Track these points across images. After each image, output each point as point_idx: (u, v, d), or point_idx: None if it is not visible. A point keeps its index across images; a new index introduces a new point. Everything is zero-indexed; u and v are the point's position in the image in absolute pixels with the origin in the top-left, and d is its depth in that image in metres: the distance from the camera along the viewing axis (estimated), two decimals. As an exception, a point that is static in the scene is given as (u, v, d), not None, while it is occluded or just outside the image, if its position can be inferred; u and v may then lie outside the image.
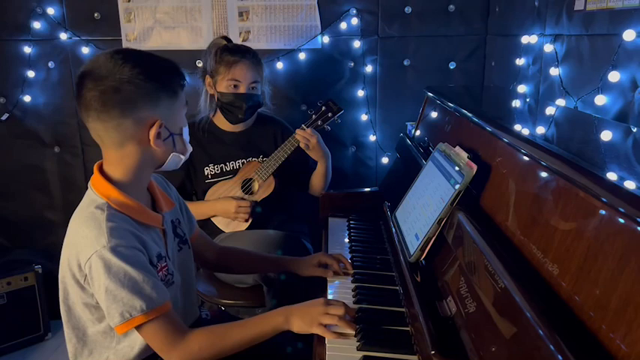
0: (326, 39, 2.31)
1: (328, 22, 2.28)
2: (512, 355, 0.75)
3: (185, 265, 1.24)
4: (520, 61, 1.90)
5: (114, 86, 0.99)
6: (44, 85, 2.40)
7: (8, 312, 2.25)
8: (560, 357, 0.63)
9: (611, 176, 0.74)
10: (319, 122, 1.89)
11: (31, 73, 2.37)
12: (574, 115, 1.45)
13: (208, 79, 1.90)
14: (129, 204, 1.05)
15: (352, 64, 2.33)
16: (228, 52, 1.85)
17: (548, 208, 0.85)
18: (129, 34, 2.33)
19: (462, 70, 2.34)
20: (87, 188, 1.09)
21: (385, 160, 2.42)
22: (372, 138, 2.41)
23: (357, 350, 1.02)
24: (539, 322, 0.70)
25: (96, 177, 1.07)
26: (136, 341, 1.07)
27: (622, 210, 0.67)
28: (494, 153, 1.13)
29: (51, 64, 2.38)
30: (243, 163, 1.94)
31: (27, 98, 2.40)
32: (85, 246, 0.99)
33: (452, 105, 1.52)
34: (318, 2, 2.26)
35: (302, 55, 2.31)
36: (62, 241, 1.08)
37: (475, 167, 1.10)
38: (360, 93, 2.36)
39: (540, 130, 1.20)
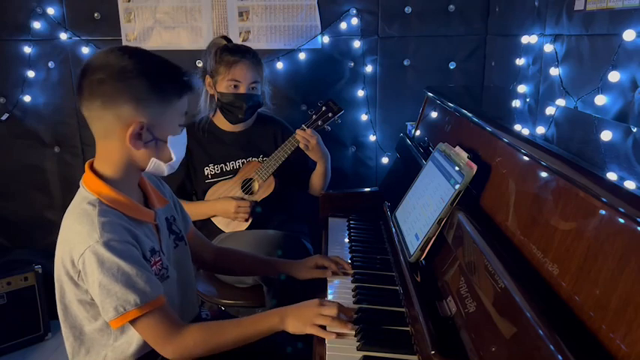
0: (326, 39, 2.31)
1: (328, 22, 2.28)
2: (513, 355, 0.75)
3: (182, 262, 1.23)
4: (520, 61, 1.90)
5: (101, 78, 1.00)
6: (44, 85, 2.40)
7: (8, 312, 2.25)
8: (560, 357, 0.63)
9: (611, 176, 0.74)
10: (319, 122, 1.89)
11: (31, 73, 2.37)
12: (574, 115, 1.45)
13: (208, 79, 1.90)
14: (120, 200, 1.06)
15: (352, 64, 2.33)
16: (228, 52, 1.85)
17: (548, 208, 0.85)
18: (129, 34, 2.33)
19: (462, 70, 2.34)
20: None
21: (385, 160, 2.42)
22: (372, 138, 2.41)
23: (357, 350, 1.02)
24: (539, 322, 0.70)
25: (87, 174, 1.08)
26: (133, 338, 1.07)
27: (622, 210, 0.68)
28: (494, 153, 1.13)
29: (51, 64, 2.38)
30: (243, 163, 1.94)
31: (27, 98, 2.40)
32: (78, 242, 1.00)
33: (452, 105, 1.52)
34: (318, 2, 2.26)
35: (302, 55, 2.32)
36: (61, 241, 1.08)
37: (475, 167, 1.10)
38: (360, 93, 2.36)
39: (540, 130, 1.20)
